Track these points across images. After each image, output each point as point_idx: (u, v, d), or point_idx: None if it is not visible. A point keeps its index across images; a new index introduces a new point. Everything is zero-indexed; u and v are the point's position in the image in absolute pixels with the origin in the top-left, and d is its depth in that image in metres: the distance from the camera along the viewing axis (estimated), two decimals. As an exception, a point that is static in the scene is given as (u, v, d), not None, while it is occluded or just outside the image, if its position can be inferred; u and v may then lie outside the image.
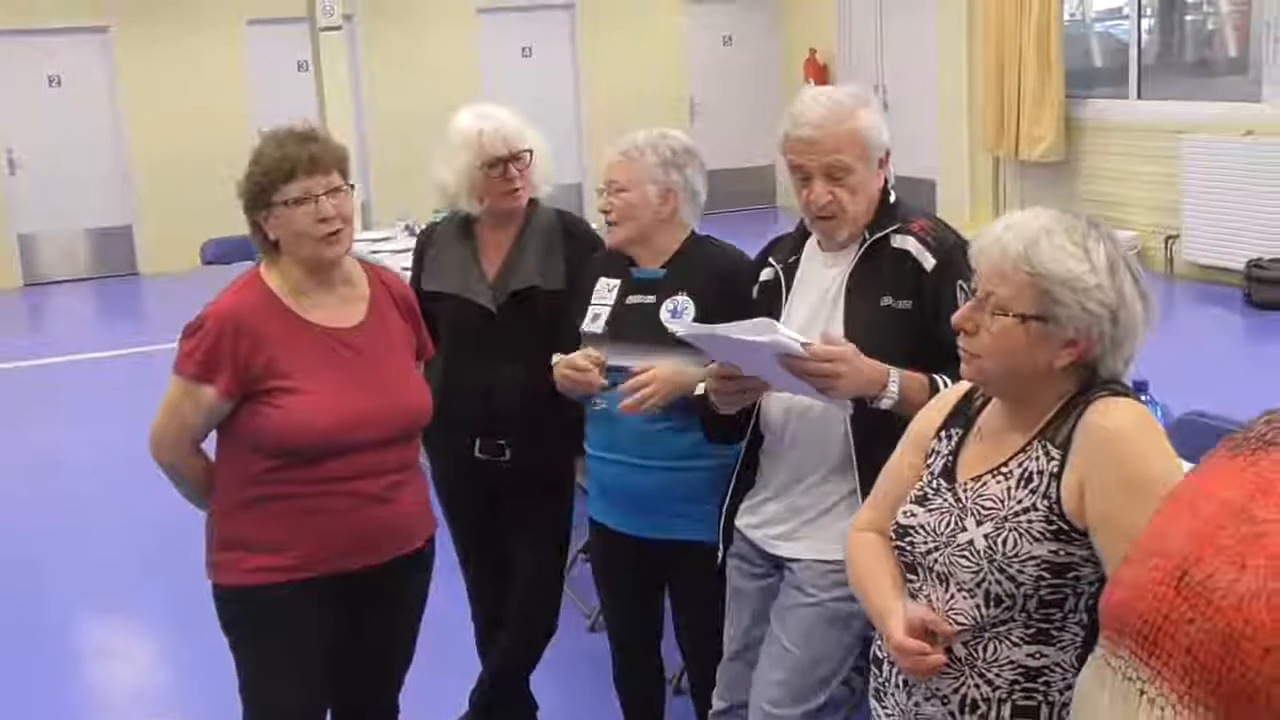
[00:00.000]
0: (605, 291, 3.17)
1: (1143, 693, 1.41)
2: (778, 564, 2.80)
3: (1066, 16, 10.59)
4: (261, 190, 2.77)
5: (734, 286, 2.99)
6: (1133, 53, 10.32)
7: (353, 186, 2.87)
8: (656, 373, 2.89)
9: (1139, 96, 10.28)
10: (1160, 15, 10.57)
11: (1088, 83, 10.72)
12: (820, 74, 12.80)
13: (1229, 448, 1.47)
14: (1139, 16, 10.22)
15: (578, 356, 3.03)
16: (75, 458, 7.06)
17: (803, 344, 2.45)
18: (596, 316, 3.14)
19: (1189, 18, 10.65)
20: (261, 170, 2.78)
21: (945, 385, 2.42)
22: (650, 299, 3.10)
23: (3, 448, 7.39)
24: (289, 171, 2.75)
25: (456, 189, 3.42)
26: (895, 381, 2.51)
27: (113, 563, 5.52)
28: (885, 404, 2.50)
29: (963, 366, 2.09)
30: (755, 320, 2.54)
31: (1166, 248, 9.70)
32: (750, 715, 2.75)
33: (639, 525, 3.16)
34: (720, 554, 2.93)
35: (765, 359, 2.54)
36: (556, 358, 3.09)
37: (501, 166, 3.38)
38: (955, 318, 2.08)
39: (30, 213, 12.25)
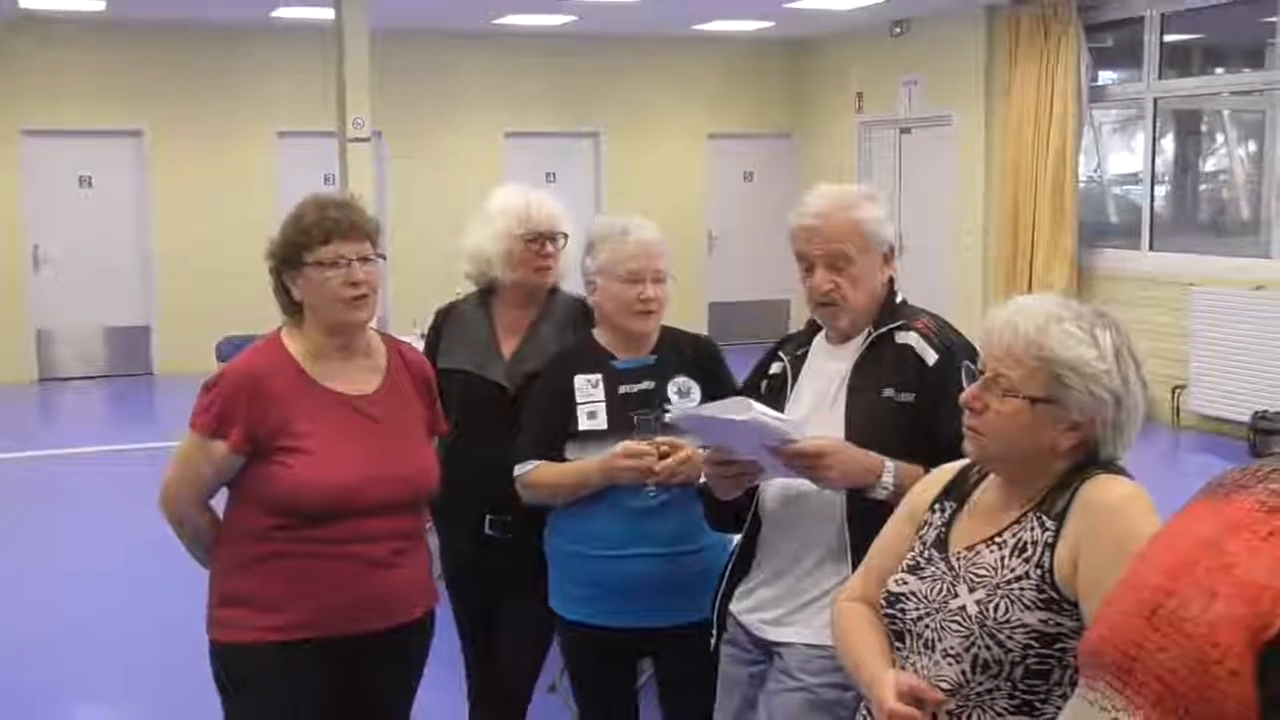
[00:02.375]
0: (590, 388, 3.13)
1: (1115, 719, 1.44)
2: (768, 650, 2.78)
3: (1085, 177, 10.80)
4: (297, 249, 2.81)
5: (711, 366, 3.19)
6: (1145, 209, 10.50)
7: (383, 257, 2.91)
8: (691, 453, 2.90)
9: (1151, 249, 10.43)
10: (1174, 179, 10.78)
11: (1103, 236, 10.87)
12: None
13: (1204, 493, 1.52)
14: (1152, 182, 10.44)
15: (634, 444, 2.94)
16: (75, 547, 7.03)
17: (789, 439, 2.50)
18: (594, 414, 3.11)
19: (1203, 186, 10.88)
20: (300, 230, 2.82)
21: None
22: (646, 385, 3.11)
23: (3, 540, 7.39)
24: (326, 234, 2.80)
25: (492, 254, 3.47)
26: (891, 472, 2.55)
27: (112, 648, 5.47)
28: (880, 494, 2.54)
29: (966, 445, 2.13)
30: (733, 399, 2.63)
31: (1174, 398, 9.72)
32: (739, 801, 2.74)
33: (638, 616, 3.11)
34: (714, 639, 2.91)
35: (756, 442, 2.60)
36: (619, 448, 2.97)
37: (541, 242, 3.46)
38: (964, 397, 2.11)
39: (51, 309, 12.31)
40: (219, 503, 2.93)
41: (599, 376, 3.14)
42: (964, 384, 2.19)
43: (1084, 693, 1.53)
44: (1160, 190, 10.63)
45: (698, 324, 13.58)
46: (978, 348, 2.23)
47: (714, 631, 2.92)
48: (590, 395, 3.12)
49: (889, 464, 2.56)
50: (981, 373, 2.10)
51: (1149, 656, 1.42)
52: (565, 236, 3.53)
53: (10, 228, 12.02)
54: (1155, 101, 10.38)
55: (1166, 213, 10.67)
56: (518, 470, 3.14)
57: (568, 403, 3.13)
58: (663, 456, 2.90)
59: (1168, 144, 10.78)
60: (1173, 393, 9.71)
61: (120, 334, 12.63)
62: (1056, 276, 10.54)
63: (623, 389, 3.12)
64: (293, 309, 2.89)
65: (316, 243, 2.80)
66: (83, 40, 11.94)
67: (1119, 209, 11.07)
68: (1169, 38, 10.22)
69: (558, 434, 3.12)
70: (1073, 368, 2.00)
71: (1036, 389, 2.01)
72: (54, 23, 11.69)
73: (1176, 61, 10.33)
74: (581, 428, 3.10)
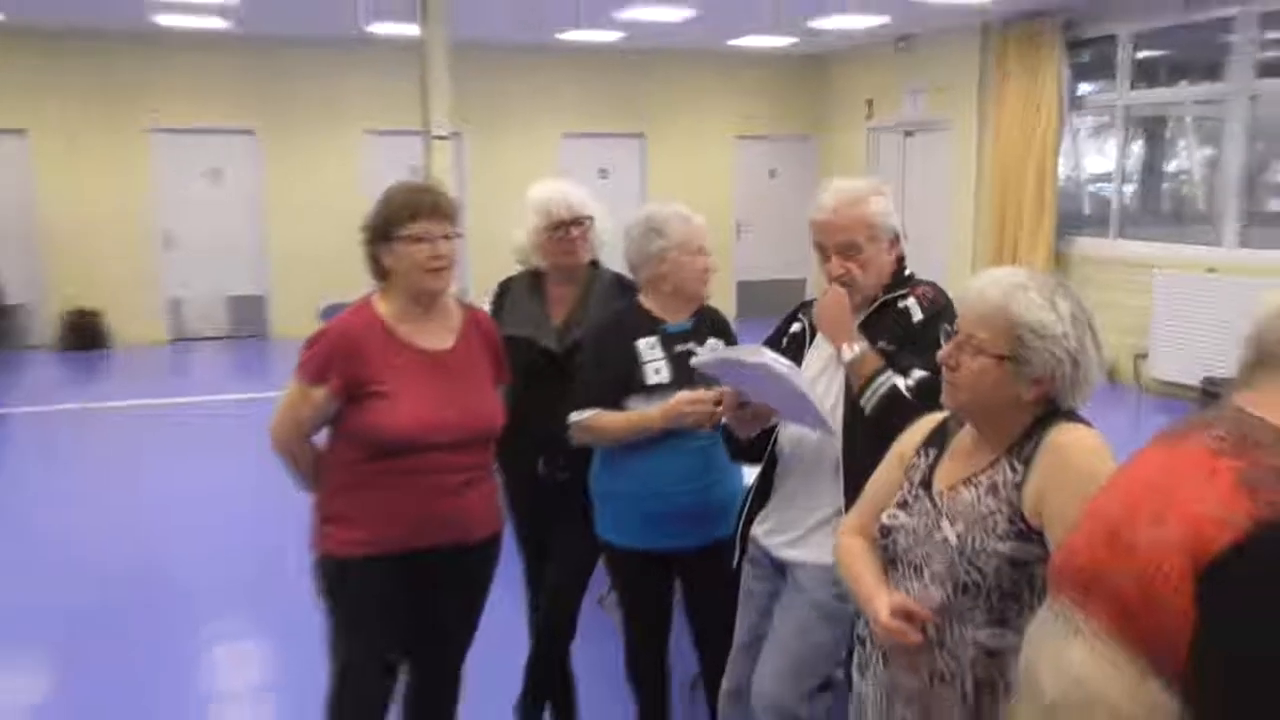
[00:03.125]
0: (649, 349, 3.12)
1: (1077, 630, 1.44)
2: (782, 569, 2.82)
3: (1064, 175, 10.70)
4: (388, 225, 2.82)
5: (726, 329, 3.25)
6: (1115, 203, 10.40)
7: (460, 235, 2.91)
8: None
9: (1119, 237, 10.32)
10: (1141, 177, 10.69)
11: (1078, 226, 10.78)
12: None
13: (1157, 439, 1.52)
14: (1121, 180, 10.35)
15: (700, 394, 2.93)
16: (199, 484, 7.12)
17: (789, 380, 2.55)
18: (659, 370, 3.09)
19: (1165, 184, 10.80)
20: (391, 209, 2.83)
21: (893, 381, 2.55)
22: (691, 344, 3.12)
23: (143, 474, 7.48)
24: (413, 213, 2.81)
25: (528, 246, 3.50)
26: (859, 345, 2.62)
27: (230, 571, 5.55)
28: (845, 356, 2.63)
29: (944, 396, 2.12)
30: (747, 346, 2.68)
31: (1135, 365, 9.66)
32: (755, 695, 2.76)
33: (676, 539, 3.13)
34: (737, 558, 2.94)
35: (768, 387, 2.61)
36: (674, 400, 2.98)
37: (564, 229, 3.44)
38: (940, 355, 2.10)
39: (181, 280, 12.44)
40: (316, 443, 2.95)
41: (655, 339, 3.13)
42: (942, 344, 2.17)
43: (1050, 607, 1.54)
44: (1128, 187, 10.51)
45: (727, 300, 13.61)
46: None
47: (737, 553, 2.95)
48: (653, 355, 3.11)
49: (863, 344, 2.63)
50: (956, 334, 2.09)
51: (1105, 576, 1.42)
52: (588, 219, 3.50)
53: (145, 213, 12.14)
54: (1126, 109, 10.25)
55: (1133, 206, 10.55)
56: (576, 417, 3.13)
57: (632, 362, 3.11)
58: (716, 404, 2.90)
59: (1136, 147, 10.66)
60: (1135, 360, 9.64)
61: (239, 302, 12.73)
62: (1036, 260, 10.44)
63: (676, 348, 3.12)
64: (382, 276, 2.90)
65: (405, 220, 2.81)
66: (205, 52, 12.00)
67: (1093, 203, 10.95)
68: (1139, 54, 10.09)
69: (619, 388, 3.10)
70: (1034, 330, 1.99)
71: (1003, 348, 2.00)
72: (182, 37, 11.75)
73: (1145, 75, 10.20)
74: (650, 382, 3.08)
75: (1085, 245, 10.53)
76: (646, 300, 3.21)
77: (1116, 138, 10.39)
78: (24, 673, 4.38)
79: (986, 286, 2.05)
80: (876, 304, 2.74)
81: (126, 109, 11.90)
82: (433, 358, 2.90)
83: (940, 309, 2.66)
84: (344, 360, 2.80)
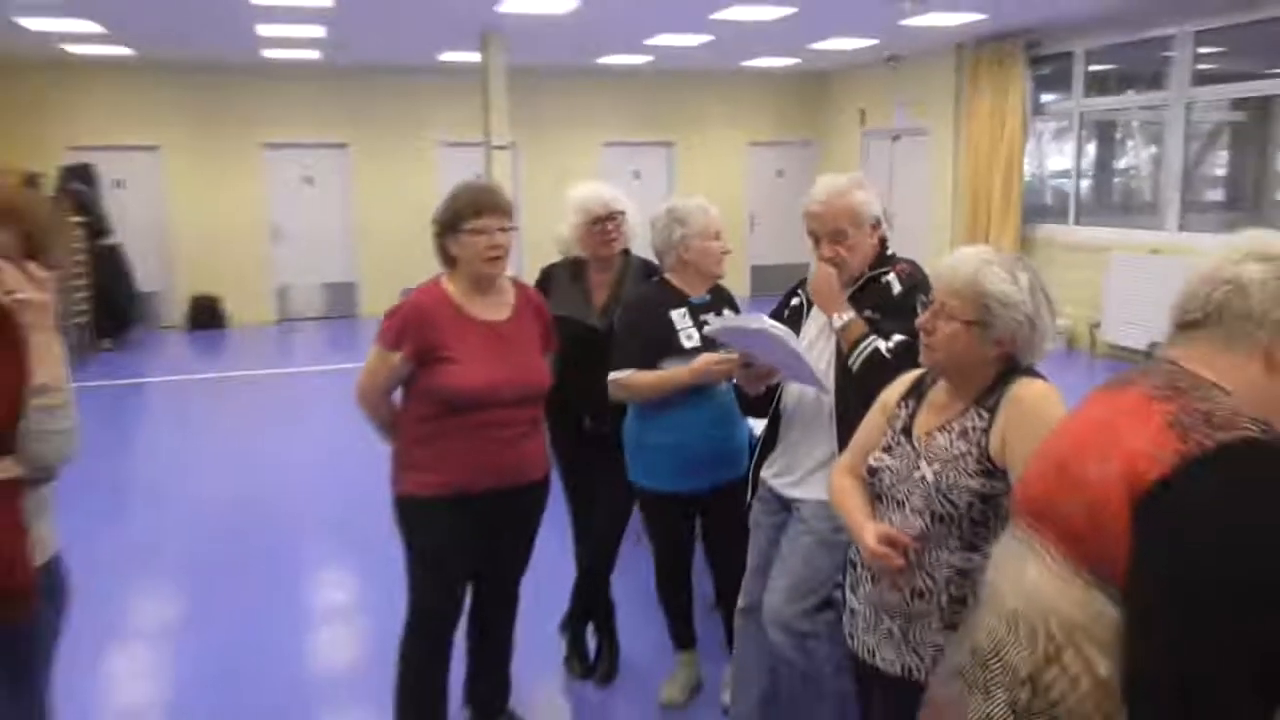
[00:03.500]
0: (681, 319, 3.11)
1: (1034, 551, 1.41)
2: (786, 505, 2.81)
3: (1028, 173, 10.52)
4: (456, 219, 2.82)
5: (733, 302, 3.22)
6: (1072, 195, 10.22)
7: (515, 229, 2.90)
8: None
9: (1076, 223, 10.14)
10: (1095, 173, 10.51)
11: (1041, 215, 10.61)
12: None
13: (1102, 388, 1.48)
14: (1078, 175, 10.17)
15: (724, 355, 2.90)
16: (302, 439, 7.18)
17: (786, 344, 2.54)
18: (690, 337, 3.07)
19: (1116, 179, 10.62)
20: (459, 205, 2.82)
21: (876, 344, 2.53)
22: (711, 315, 3.11)
23: (255, 431, 7.55)
24: (478, 209, 2.81)
25: (570, 239, 3.49)
26: (848, 314, 2.60)
27: (327, 510, 5.59)
28: (836, 324, 2.61)
29: (922, 357, 2.08)
30: (751, 314, 2.66)
31: (1091, 333, 9.51)
32: (764, 612, 2.76)
33: (700, 481, 3.12)
34: (749, 497, 2.93)
35: (769, 349, 2.59)
36: (701, 360, 2.97)
37: (601, 224, 3.42)
38: (919, 321, 2.07)
39: (287, 270, 12.50)
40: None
41: (684, 310, 3.12)
42: (919, 313, 2.13)
43: (1011, 533, 1.51)
44: (1084, 181, 10.32)
45: (742, 282, 13.53)
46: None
47: (749, 492, 2.94)
48: (685, 324, 3.09)
49: (850, 313, 2.61)
50: (932, 303, 2.06)
51: (1057, 505, 1.39)
52: (621, 213, 3.45)
53: (256, 214, 12.19)
54: (1081, 115, 10.05)
55: (1088, 197, 10.36)
56: (615, 375, 3.10)
57: (669, 330, 3.08)
58: (745, 365, 2.84)
59: (1091, 147, 10.46)
60: (1090, 329, 9.50)
61: (335, 288, 12.76)
62: (1005, 244, 10.28)
63: (701, 318, 3.10)
64: (449, 262, 2.90)
65: (470, 215, 2.81)
66: (305, 80, 12.00)
67: (1054, 195, 10.75)
68: (1092, 67, 9.89)
69: (655, 351, 3.08)
70: (998, 299, 1.96)
71: (971, 314, 1.97)
72: (286, 68, 11.77)
73: (1098, 85, 10.00)
74: (686, 347, 3.06)
75: (1048, 231, 10.36)
76: (672, 277, 3.19)
77: (1073, 139, 10.20)
78: (167, 592, 4.45)
79: (958, 263, 2.02)
80: (862, 280, 2.71)
81: (241, 128, 11.94)
82: (492, 328, 2.89)
83: (916, 283, 2.62)
84: (417, 330, 2.80)
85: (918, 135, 12.12)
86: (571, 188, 3.54)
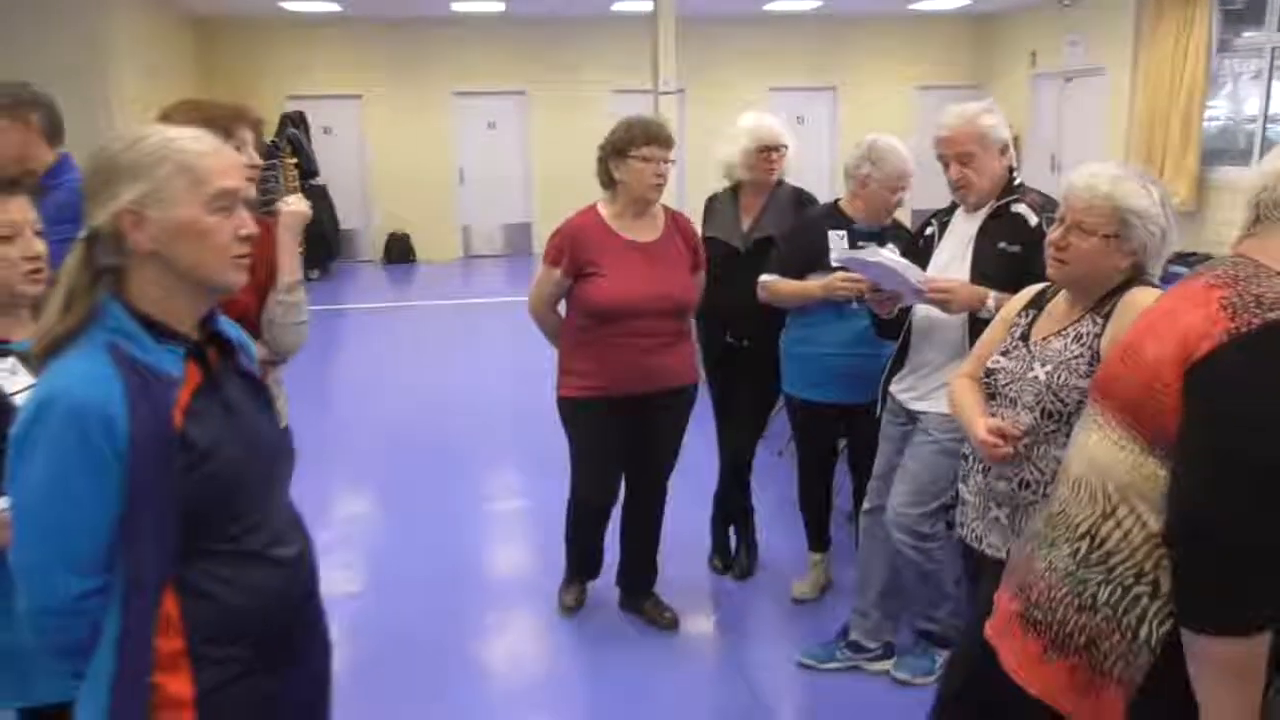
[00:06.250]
0: (838, 239, 3.15)
1: (1096, 421, 1.50)
2: (912, 417, 2.87)
3: (1211, 115, 9.76)
4: (625, 144, 2.96)
5: (905, 238, 3.15)
6: (1257, 139, 9.46)
7: (673, 162, 3.01)
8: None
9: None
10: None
11: (1221, 158, 9.89)
12: (1015, 143, 12.21)
13: (1177, 284, 1.54)
14: (1264, 118, 9.41)
15: (853, 275, 2.91)
16: (483, 358, 7.61)
17: (904, 276, 2.58)
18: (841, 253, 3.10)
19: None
20: (630, 133, 2.96)
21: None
22: (873, 243, 3.05)
23: (442, 352, 8.04)
24: (647, 139, 2.94)
25: (735, 161, 3.51)
26: (993, 299, 2.56)
27: (503, 407, 5.98)
28: (985, 315, 2.56)
29: (1050, 271, 2.07)
30: (873, 247, 2.73)
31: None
32: (888, 513, 2.85)
33: (844, 394, 3.19)
34: (880, 410, 3.01)
35: (897, 278, 2.66)
36: (831, 277, 3.01)
37: (767, 152, 3.48)
38: (1052, 236, 2.06)
39: (470, 210, 12.96)
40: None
41: (844, 232, 3.16)
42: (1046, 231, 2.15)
43: (1086, 409, 1.59)
44: (1275, 127, 9.50)
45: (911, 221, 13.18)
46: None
47: (880, 405, 3.02)
48: (840, 245, 3.13)
49: (992, 295, 2.58)
50: (1062, 220, 2.05)
51: (1118, 380, 1.48)
52: (785, 147, 3.51)
53: (444, 158, 12.70)
54: (1274, 50, 9.25)
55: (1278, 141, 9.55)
56: (764, 278, 3.20)
57: (821, 247, 3.14)
58: (875, 290, 2.86)
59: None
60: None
61: (513, 228, 13.15)
62: (1180, 188, 9.67)
63: (859, 244, 3.10)
64: (610, 184, 3.05)
65: (640, 143, 2.94)
66: (489, 32, 12.36)
67: (1240, 138, 9.96)
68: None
69: (804, 263, 3.15)
70: (1135, 212, 1.97)
71: (1110, 229, 1.98)
72: (473, 20, 12.17)
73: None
74: (833, 265, 3.08)
75: (1229, 175, 9.65)
76: (846, 204, 3.24)
77: (1263, 79, 9.42)
78: (362, 486, 4.92)
79: (1092, 179, 2.01)
80: (993, 210, 2.72)
81: (433, 77, 12.44)
82: (640, 247, 3.05)
83: (1052, 212, 2.61)
84: (572, 248, 3.00)
85: (1091, 75, 11.46)
86: (743, 115, 3.61)
